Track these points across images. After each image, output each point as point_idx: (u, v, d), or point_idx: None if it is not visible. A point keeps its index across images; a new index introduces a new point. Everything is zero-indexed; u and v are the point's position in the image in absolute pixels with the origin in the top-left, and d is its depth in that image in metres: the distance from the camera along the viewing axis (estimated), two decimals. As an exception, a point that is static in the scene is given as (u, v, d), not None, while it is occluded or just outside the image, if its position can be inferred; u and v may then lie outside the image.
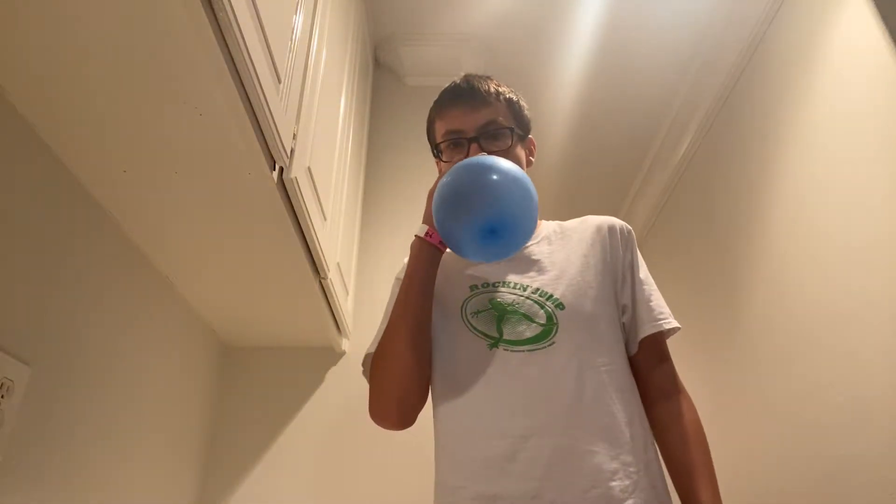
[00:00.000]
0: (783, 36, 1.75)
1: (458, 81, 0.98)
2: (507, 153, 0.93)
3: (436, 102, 1.01)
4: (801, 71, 1.63)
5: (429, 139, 1.03)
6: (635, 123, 2.46)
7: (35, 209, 0.83)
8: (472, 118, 0.94)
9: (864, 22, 1.38)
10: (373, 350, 0.92)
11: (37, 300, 0.84)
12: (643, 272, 0.96)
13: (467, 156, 0.93)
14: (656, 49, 2.10)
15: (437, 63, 2.09)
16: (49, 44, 0.69)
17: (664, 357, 0.93)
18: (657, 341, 0.92)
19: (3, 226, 0.77)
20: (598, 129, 2.48)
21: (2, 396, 0.75)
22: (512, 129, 0.95)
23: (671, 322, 0.91)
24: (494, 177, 0.81)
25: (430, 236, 0.89)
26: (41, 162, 0.84)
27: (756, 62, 1.90)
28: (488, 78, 0.99)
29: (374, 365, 0.89)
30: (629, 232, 0.99)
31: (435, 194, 0.84)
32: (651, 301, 0.93)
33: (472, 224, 0.81)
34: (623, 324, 0.92)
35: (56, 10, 0.65)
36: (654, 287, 0.95)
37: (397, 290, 0.94)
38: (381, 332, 0.92)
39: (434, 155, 1.01)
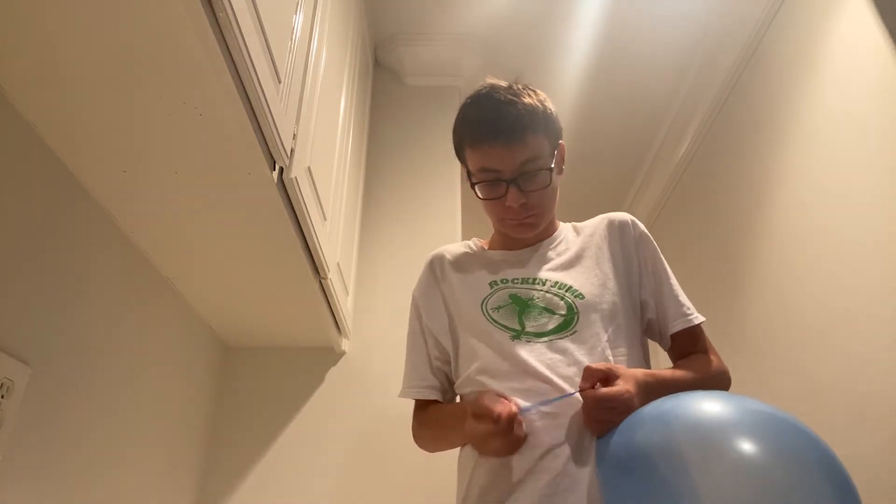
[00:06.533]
0: (783, 36, 1.75)
1: (488, 107, 0.90)
2: (546, 191, 0.92)
3: (466, 125, 0.94)
4: (801, 71, 1.63)
5: (458, 156, 0.99)
6: (635, 123, 2.46)
7: (35, 209, 0.83)
8: (510, 158, 0.89)
9: (864, 22, 1.38)
10: (406, 394, 0.99)
11: (37, 300, 0.84)
12: (662, 267, 0.98)
13: (506, 195, 0.90)
14: (656, 49, 2.10)
15: (437, 63, 2.08)
16: (49, 44, 0.69)
17: (697, 342, 0.96)
18: (689, 334, 0.95)
19: (3, 226, 0.77)
20: (598, 129, 2.48)
21: (2, 396, 0.75)
22: (550, 169, 0.91)
23: (697, 317, 0.95)
24: None
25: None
26: (41, 162, 0.84)
27: (756, 62, 1.90)
28: (514, 95, 0.90)
29: (413, 433, 1.00)
30: (638, 226, 1.01)
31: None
32: (679, 296, 0.96)
33: None
34: (649, 320, 0.96)
35: (56, 11, 0.65)
36: (675, 281, 0.98)
37: (416, 310, 1.02)
38: (411, 368, 0.99)
39: (468, 178, 0.97)
